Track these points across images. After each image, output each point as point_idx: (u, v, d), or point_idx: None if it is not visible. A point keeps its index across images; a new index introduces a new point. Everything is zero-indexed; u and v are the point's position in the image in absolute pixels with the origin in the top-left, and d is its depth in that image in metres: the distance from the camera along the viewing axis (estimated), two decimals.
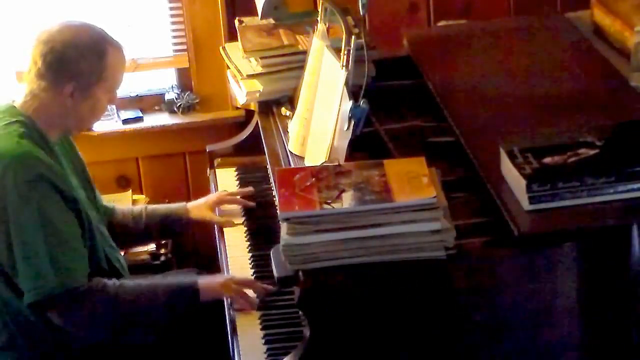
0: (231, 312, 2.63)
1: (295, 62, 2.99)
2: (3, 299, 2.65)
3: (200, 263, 3.41)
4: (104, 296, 2.60)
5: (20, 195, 2.56)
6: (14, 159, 2.58)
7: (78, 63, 2.65)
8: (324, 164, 2.35)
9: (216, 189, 3.21)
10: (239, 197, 3.07)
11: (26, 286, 2.58)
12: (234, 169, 3.29)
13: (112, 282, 2.64)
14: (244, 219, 3.05)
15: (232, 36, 3.46)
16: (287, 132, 2.85)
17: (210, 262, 3.26)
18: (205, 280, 2.71)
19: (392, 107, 2.89)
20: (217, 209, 3.07)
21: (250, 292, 2.65)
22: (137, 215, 3.03)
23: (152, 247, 3.46)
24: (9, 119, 2.66)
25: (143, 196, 3.73)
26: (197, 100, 3.81)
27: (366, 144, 2.57)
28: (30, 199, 2.56)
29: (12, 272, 2.60)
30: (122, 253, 3.05)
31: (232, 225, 3.02)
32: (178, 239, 3.55)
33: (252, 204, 3.04)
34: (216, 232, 3.06)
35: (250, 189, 3.09)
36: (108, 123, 3.71)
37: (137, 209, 3.07)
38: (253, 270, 2.79)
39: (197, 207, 3.06)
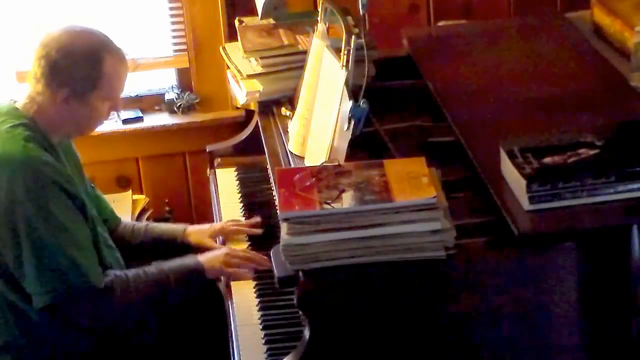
0: (231, 312, 2.63)
1: (295, 62, 2.99)
2: (8, 301, 2.63)
3: None
4: (124, 291, 2.61)
5: (32, 200, 2.53)
6: (22, 163, 2.55)
7: (69, 71, 2.61)
8: (324, 164, 2.35)
9: (216, 189, 3.21)
10: (244, 228, 2.95)
11: (42, 289, 2.55)
12: (234, 169, 3.29)
13: (123, 275, 2.66)
14: (244, 219, 3.05)
15: (232, 36, 3.46)
16: (287, 132, 2.85)
17: None
18: (206, 258, 2.72)
19: (392, 107, 2.89)
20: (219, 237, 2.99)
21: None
22: (137, 229, 2.99)
23: None
24: (12, 121, 2.63)
25: (143, 196, 3.73)
26: (197, 100, 3.81)
27: (366, 144, 2.57)
28: (44, 204, 2.54)
29: (20, 277, 2.57)
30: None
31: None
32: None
33: (258, 231, 2.91)
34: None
35: (257, 219, 2.95)
36: (108, 123, 3.69)
37: (139, 224, 3.05)
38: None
39: (198, 232, 2.96)
